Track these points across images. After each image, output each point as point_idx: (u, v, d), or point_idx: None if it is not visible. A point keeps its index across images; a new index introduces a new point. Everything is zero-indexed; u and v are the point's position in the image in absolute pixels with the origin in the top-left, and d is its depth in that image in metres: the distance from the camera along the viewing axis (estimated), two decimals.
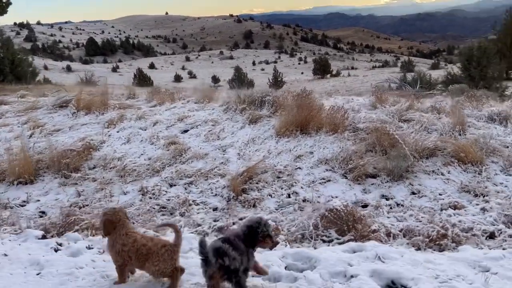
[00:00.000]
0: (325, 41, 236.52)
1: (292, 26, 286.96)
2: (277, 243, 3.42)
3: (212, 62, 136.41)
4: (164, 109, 9.48)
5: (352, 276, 3.24)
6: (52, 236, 4.57)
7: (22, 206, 5.97)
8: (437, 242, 4.06)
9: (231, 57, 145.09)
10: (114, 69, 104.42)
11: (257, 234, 3.17)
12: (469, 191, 5.60)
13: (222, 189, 6.12)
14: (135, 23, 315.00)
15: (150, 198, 5.97)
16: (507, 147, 6.63)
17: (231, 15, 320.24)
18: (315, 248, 4.05)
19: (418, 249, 4.01)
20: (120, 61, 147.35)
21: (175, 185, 6.31)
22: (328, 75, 71.78)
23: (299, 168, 6.57)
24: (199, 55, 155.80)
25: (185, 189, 6.22)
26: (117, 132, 8.18)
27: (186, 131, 8.19)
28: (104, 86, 10.40)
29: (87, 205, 5.83)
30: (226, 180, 6.31)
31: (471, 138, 6.78)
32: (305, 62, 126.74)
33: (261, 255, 3.61)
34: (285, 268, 3.49)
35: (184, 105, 9.82)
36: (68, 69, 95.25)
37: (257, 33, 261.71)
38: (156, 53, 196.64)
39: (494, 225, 4.48)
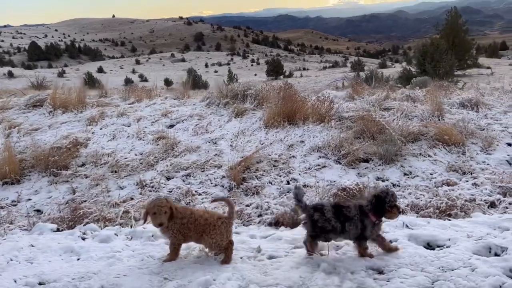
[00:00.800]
0: (276, 42, 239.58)
1: (243, 28, 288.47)
2: (403, 212, 3.47)
3: (163, 65, 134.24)
4: (144, 106, 9.34)
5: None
6: (62, 230, 4.42)
7: (14, 205, 5.71)
8: (448, 212, 4.35)
9: (183, 60, 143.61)
10: (61, 74, 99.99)
11: (385, 204, 3.24)
12: (456, 170, 6.00)
13: (221, 179, 6.16)
14: (80, 26, 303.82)
15: (150, 191, 5.90)
16: (483, 129, 7.15)
17: (181, 17, 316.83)
18: None
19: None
20: (66, 65, 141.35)
21: (172, 178, 6.27)
22: (281, 76, 72.79)
23: (293, 156, 6.73)
24: (149, 58, 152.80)
25: (183, 181, 6.20)
26: (100, 129, 7.98)
27: (172, 126, 8.13)
28: (80, 83, 10.04)
29: (85, 201, 5.67)
30: (223, 171, 6.35)
31: (449, 123, 7.25)
32: (258, 63, 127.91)
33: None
34: None
35: (163, 101, 9.72)
36: (10, 75, 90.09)
37: (208, 35, 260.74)
38: (104, 57, 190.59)
39: (491, 196, 4.86)
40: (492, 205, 4.64)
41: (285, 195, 5.66)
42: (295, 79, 67.06)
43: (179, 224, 3.26)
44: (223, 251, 3.27)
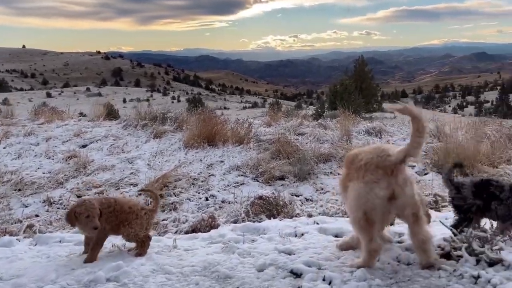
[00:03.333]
0: (197, 81, 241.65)
1: (164, 66, 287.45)
2: None
3: (78, 99, 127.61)
4: (54, 127, 8.87)
5: (302, 234, 3.58)
6: None
7: None
8: None
9: (99, 94, 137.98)
10: None
11: None
12: None
13: (137, 197, 5.98)
14: None
15: (58, 208, 5.56)
16: None
17: (99, 52, 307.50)
18: None
19: None
20: None
21: (83, 196, 5.95)
22: None
23: (213, 175, 6.79)
24: (62, 92, 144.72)
25: None
26: (4, 148, 7.41)
27: (85, 145, 7.81)
28: None
29: None
30: (139, 189, 6.19)
31: (356, 146, 7.83)
32: (179, 101, 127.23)
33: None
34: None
35: (76, 123, 9.32)
36: None
37: (127, 71, 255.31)
38: (11, 89, 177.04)
39: None
40: None
41: (203, 210, 5.67)
42: None
43: (106, 214, 3.13)
44: (139, 244, 3.18)
